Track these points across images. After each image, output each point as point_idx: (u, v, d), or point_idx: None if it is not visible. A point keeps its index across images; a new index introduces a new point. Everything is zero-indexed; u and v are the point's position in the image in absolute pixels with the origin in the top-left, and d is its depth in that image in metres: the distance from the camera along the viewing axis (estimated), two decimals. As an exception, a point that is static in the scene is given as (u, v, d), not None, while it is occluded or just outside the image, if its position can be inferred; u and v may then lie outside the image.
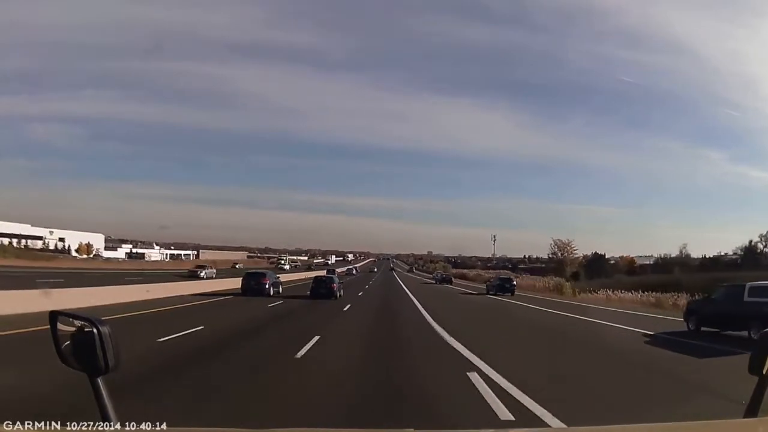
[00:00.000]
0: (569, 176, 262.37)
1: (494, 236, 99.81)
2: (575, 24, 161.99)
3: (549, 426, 5.42)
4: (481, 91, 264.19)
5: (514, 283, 38.69)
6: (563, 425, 5.48)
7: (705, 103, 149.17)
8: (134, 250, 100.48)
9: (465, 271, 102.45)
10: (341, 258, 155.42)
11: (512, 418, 5.75)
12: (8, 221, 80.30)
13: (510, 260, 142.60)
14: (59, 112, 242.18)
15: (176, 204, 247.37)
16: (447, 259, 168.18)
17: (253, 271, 33.55)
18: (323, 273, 42.92)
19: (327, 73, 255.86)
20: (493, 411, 6.05)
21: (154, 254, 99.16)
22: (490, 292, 37.97)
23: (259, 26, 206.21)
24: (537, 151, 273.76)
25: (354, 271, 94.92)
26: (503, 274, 55.76)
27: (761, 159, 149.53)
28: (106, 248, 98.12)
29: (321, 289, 27.55)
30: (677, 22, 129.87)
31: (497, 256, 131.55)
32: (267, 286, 28.35)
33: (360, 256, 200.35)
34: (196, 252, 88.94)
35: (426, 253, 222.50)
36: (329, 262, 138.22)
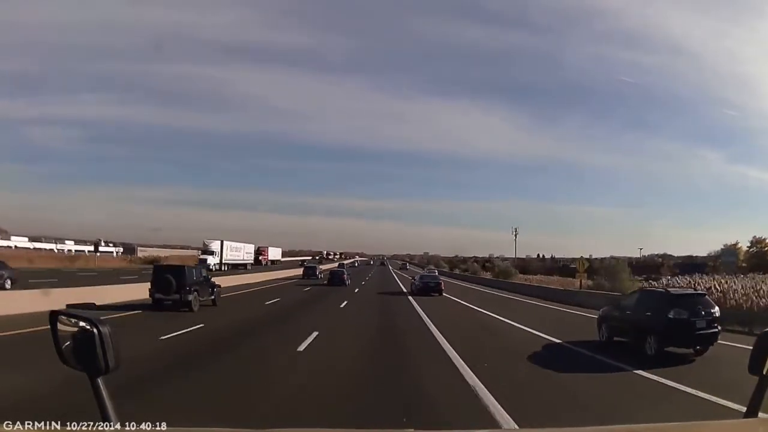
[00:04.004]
0: (567, 177, 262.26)
1: (516, 229, 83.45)
2: (574, 25, 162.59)
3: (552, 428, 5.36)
4: (480, 92, 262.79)
5: None
6: (563, 426, 5.42)
7: (703, 103, 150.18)
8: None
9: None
10: (317, 257, 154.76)
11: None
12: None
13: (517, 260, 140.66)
14: (55, 115, 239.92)
15: (173, 207, 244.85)
16: (447, 259, 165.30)
17: (310, 265, 53.91)
18: (336, 266, 59.70)
19: (325, 74, 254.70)
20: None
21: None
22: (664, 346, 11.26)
23: (256, 28, 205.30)
24: (535, 152, 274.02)
25: (356, 264, 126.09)
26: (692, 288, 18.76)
27: (759, 159, 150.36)
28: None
29: (335, 279, 38.82)
30: (676, 22, 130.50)
31: (495, 256, 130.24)
32: (317, 273, 48.59)
33: (343, 255, 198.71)
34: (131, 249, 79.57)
35: (422, 253, 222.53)
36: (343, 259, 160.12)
